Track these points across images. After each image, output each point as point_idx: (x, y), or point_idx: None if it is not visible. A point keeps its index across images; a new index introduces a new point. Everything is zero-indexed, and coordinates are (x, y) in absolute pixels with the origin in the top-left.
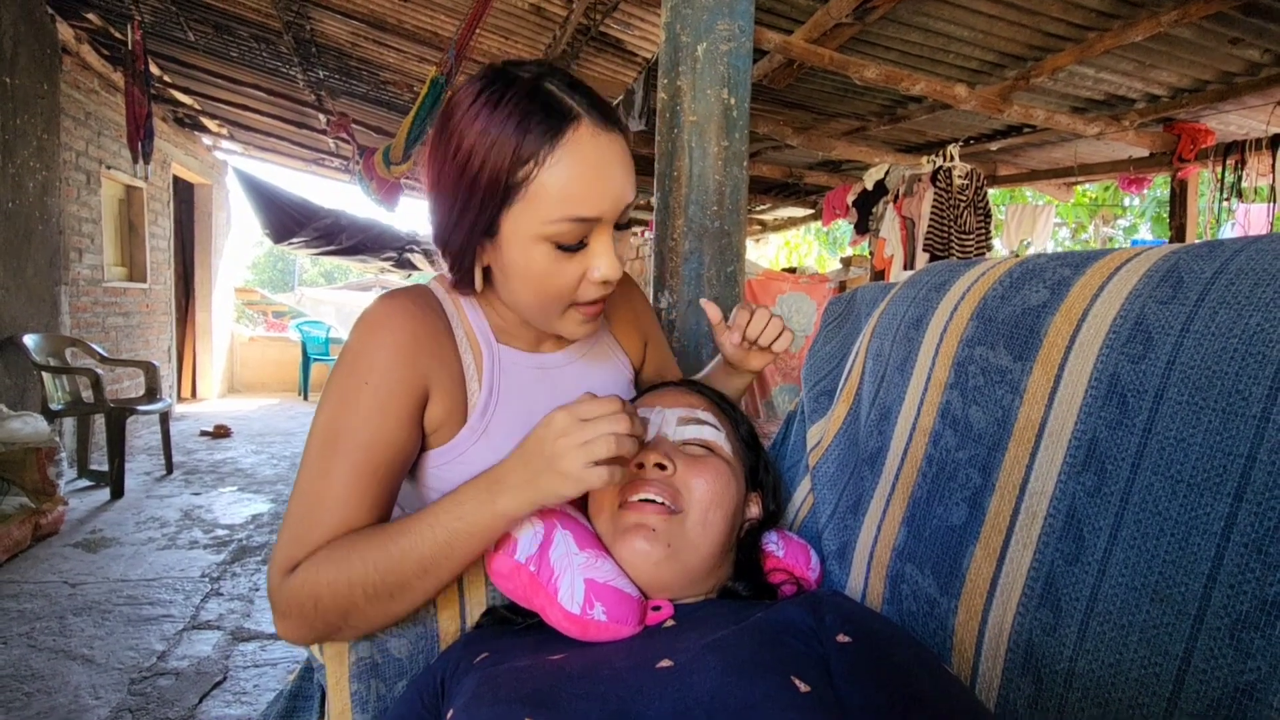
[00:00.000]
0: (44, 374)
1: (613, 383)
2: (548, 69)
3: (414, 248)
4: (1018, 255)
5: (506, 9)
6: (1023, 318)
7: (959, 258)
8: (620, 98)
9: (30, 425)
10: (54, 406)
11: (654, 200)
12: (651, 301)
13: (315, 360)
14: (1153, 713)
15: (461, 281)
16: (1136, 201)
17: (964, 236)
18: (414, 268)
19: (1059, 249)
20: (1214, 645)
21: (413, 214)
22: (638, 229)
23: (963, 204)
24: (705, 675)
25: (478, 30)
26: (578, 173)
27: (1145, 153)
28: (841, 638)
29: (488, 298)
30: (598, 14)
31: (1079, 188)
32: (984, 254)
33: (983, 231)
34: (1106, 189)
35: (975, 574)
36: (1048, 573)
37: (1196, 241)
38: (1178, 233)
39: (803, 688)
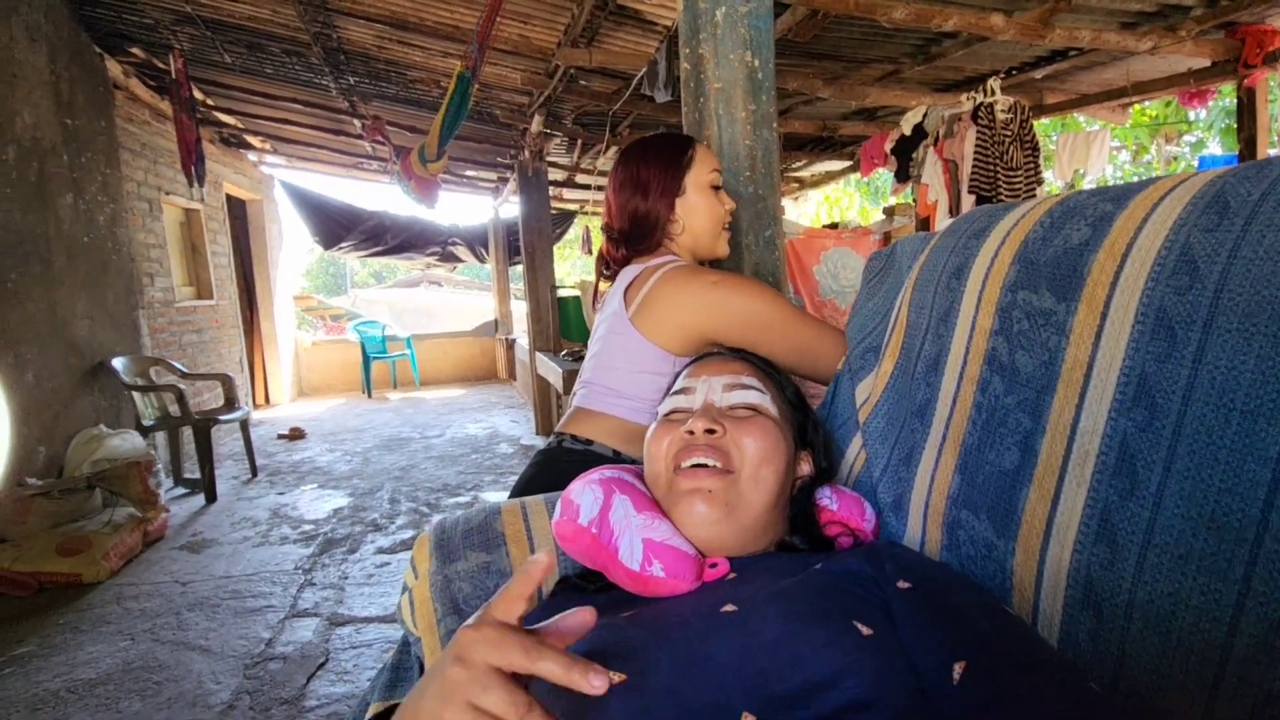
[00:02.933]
0: (134, 393)
1: None
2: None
3: (456, 240)
4: (1073, 186)
5: None
6: (1064, 258)
7: (1007, 196)
8: (644, 70)
9: (129, 441)
10: (146, 422)
11: None
12: None
13: (375, 359)
14: (1214, 638)
15: (655, 241)
16: (1202, 115)
17: (1011, 173)
18: (458, 259)
19: (1119, 174)
20: (1273, 568)
21: (450, 209)
22: None
23: (1008, 139)
24: (769, 622)
25: (497, 18)
26: (708, 154)
27: (1207, 62)
28: (902, 584)
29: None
30: None
31: (1136, 107)
32: (1034, 189)
33: (1031, 166)
34: (1167, 105)
35: (1030, 515)
36: (1102, 509)
37: (1245, 163)
38: (1248, 144)
39: (865, 631)
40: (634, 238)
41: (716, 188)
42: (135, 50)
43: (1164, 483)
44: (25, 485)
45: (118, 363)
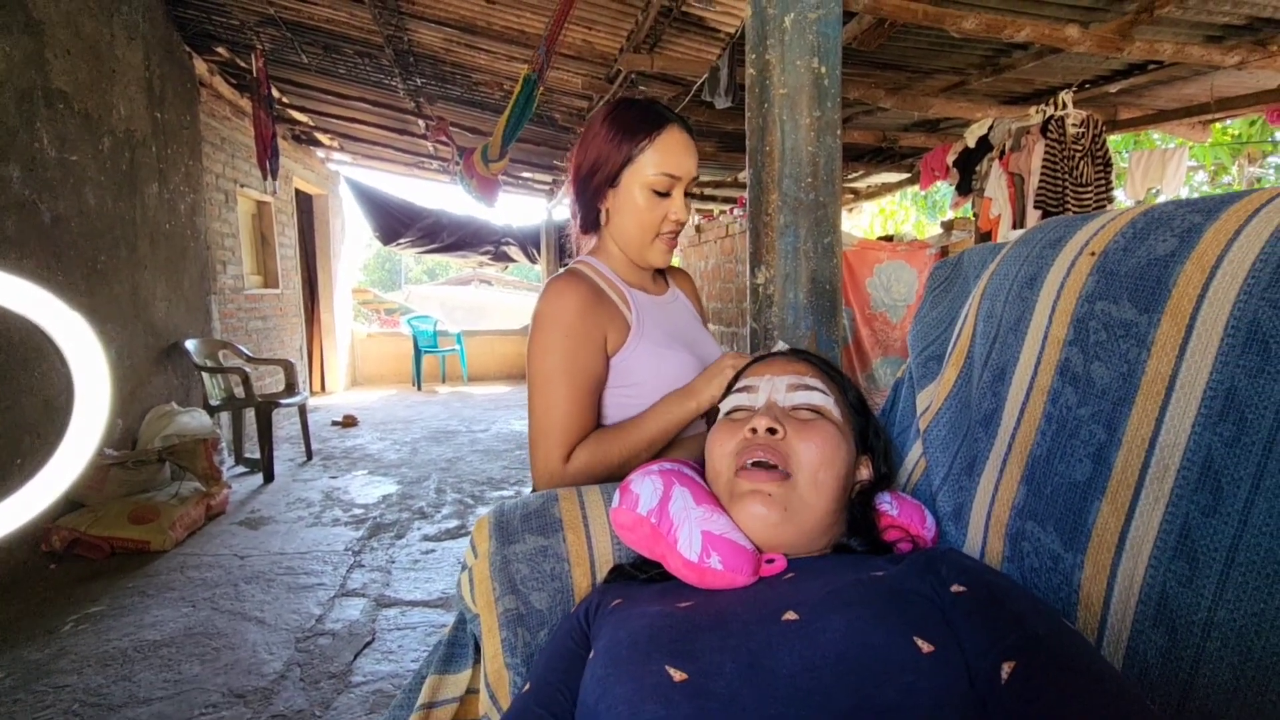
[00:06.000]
0: (203, 374)
1: (694, 314)
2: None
3: (509, 241)
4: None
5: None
6: (1148, 269)
7: (1075, 212)
8: (705, 76)
9: (197, 419)
10: (213, 402)
11: (743, 176)
12: (748, 278)
13: (426, 353)
14: None
15: (587, 221)
16: None
17: (1081, 189)
18: (510, 259)
19: (1195, 195)
20: None
21: (504, 209)
22: (727, 207)
23: (1078, 154)
24: (830, 634)
25: (565, 23)
26: (668, 150)
27: None
28: (956, 588)
29: (607, 252)
30: None
31: (1217, 125)
32: (1104, 206)
33: (1102, 182)
34: (1252, 124)
35: (1102, 529)
36: (1182, 525)
37: None
38: None
39: (925, 648)
40: (581, 215)
41: (661, 193)
42: (221, 49)
43: (1252, 499)
44: (103, 455)
45: (190, 344)
